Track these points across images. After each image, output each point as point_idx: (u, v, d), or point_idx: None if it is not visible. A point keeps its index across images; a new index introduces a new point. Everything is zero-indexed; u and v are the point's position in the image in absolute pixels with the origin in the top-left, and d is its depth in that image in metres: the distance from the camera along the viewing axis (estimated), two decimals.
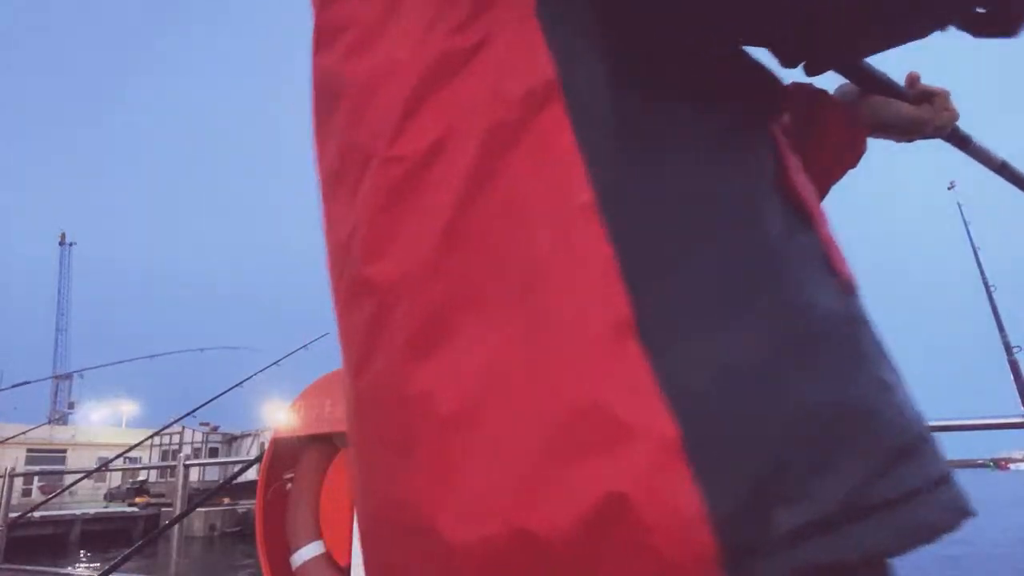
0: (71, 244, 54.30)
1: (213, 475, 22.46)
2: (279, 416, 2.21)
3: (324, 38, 0.47)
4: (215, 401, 4.21)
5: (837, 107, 0.66)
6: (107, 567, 2.46)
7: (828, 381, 0.34)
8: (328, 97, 0.46)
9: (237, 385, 4.36)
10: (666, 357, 0.31)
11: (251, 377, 4.45)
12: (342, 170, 0.43)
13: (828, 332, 0.35)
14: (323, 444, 2.04)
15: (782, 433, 0.31)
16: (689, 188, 0.36)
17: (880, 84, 0.64)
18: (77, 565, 14.80)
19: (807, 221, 0.41)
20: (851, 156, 0.67)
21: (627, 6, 0.39)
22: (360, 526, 0.42)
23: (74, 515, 22.01)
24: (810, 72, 0.45)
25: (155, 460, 25.98)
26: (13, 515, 4.22)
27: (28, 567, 4.20)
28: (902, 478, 0.32)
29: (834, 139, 0.65)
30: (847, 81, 0.64)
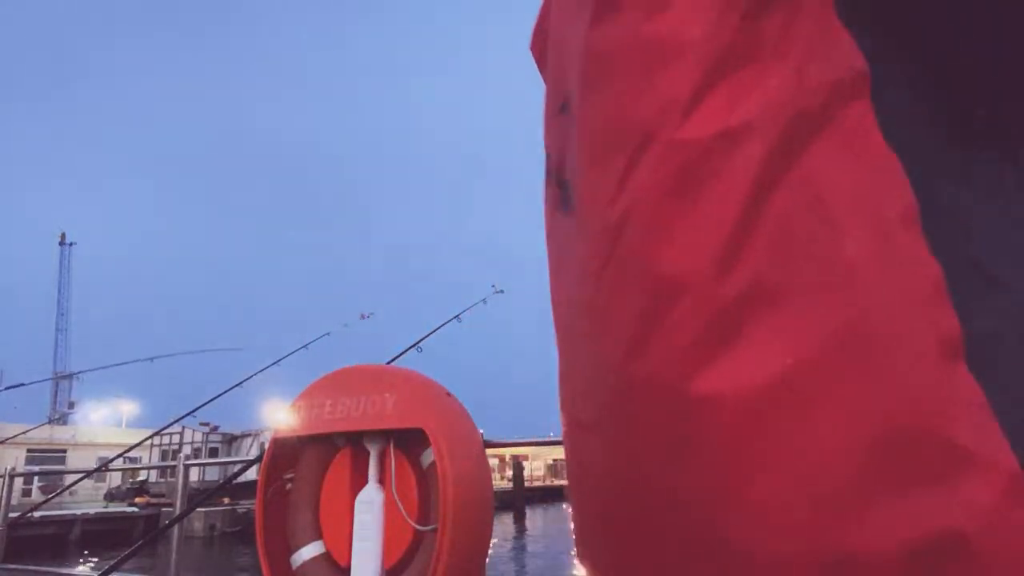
0: (71, 244, 54.34)
1: (213, 475, 22.46)
2: (279, 416, 2.21)
3: (603, 5, 0.42)
4: (215, 401, 4.22)
5: None
6: (107, 567, 2.46)
7: None
8: (599, 64, 0.42)
9: (237, 385, 4.36)
10: (996, 385, 0.30)
11: (251, 377, 4.46)
12: (609, 143, 0.39)
13: None
14: (323, 444, 2.04)
15: None
16: (996, 206, 0.34)
17: None
18: (77, 565, 14.80)
19: None
20: None
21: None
22: (597, 507, 0.42)
23: (74, 515, 22.01)
24: None
25: (155, 460, 25.96)
26: (13, 515, 4.22)
27: (28, 567, 4.20)
28: None
29: None
30: None
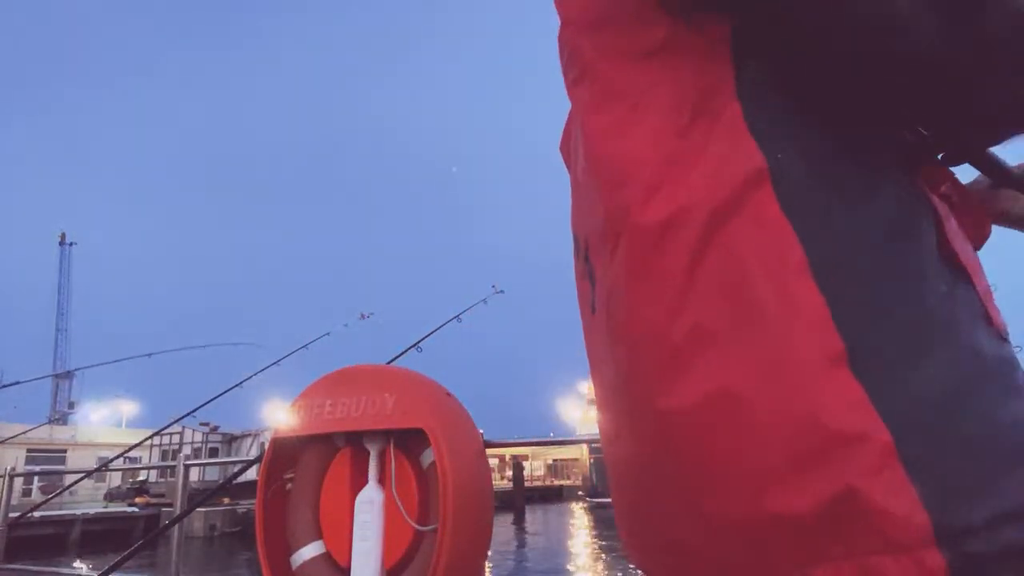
0: (71, 244, 54.31)
1: (213, 475, 22.47)
2: (279, 416, 2.21)
3: (595, 105, 0.58)
4: (215, 401, 4.21)
5: (969, 195, 0.69)
6: (107, 567, 2.46)
7: (1001, 408, 0.41)
8: (590, 161, 0.58)
9: (237, 385, 4.35)
10: (875, 384, 0.40)
11: (251, 377, 4.45)
12: (605, 230, 0.55)
13: (994, 371, 0.43)
14: (323, 444, 2.03)
15: (974, 446, 0.39)
16: (877, 251, 0.44)
17: (1013, 179, 0.64)
18: (77, 565, 14.79)
19: (967, 279, 0.48)
20: (978, 240, 0.70)
21: (815, 92, 0.48)
22: (628, 497, 0.57)
23: (74, 515, 22.00)
24: (950, 162, 0.54)
25: (155, 460, 25.96)
26: (13, 515, 4.21)
27: (28, 567, 4.20)
28: None
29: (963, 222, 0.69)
30: (979, 174, 0.65)
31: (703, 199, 0.47)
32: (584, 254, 0.64)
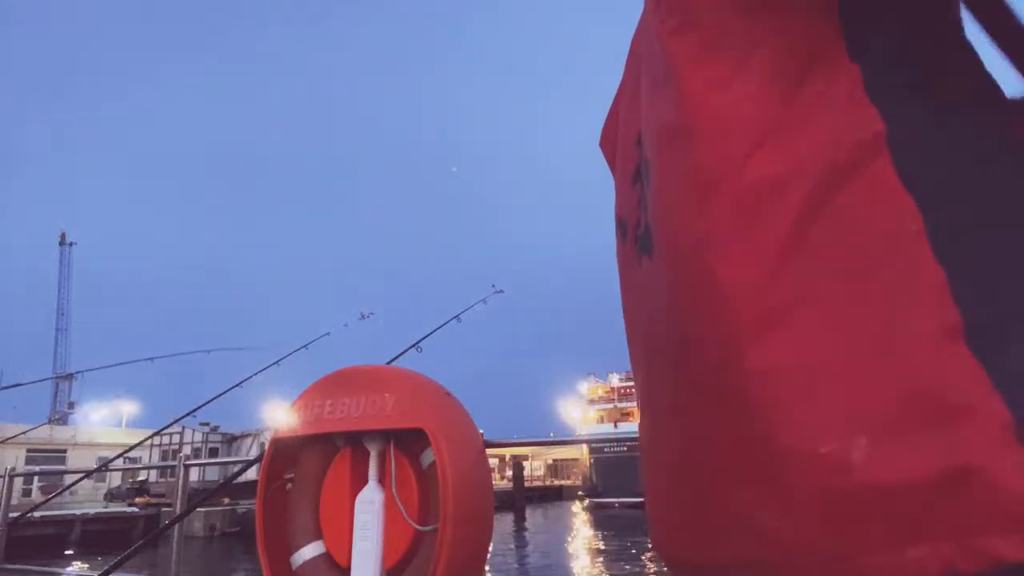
0: (71, 244, 54.31)
1: (213, 475, 22.45)
2: (279, 416, 2.21)
3: (699, 55, 0.56)
4: (215, 401, 4.21)
5: None
6: (107, 567, 2.45)
7: None
8: (673, 132, 0.57)
9: (237, 385, 4.36)
10: (992, 360, 0.38)
11: (251, 377, 4.45)
12: (686, 188, 0.53)
13: None
14: (323, 444, 2.03)
15: None
16: (994, 227, 0.42)
17: None
18: (77, 565, 14.79)
19: None
20: None
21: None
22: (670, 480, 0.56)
23: (74, 515, 21.99)
24: None
25: (155, 460, 25.94)
26: (13, 515, 4.21)
27: (28, 567, 4.20)
28: None
29: None
30: None
31: (815, 161, 0.46)
32: (633, 233, 0.63)
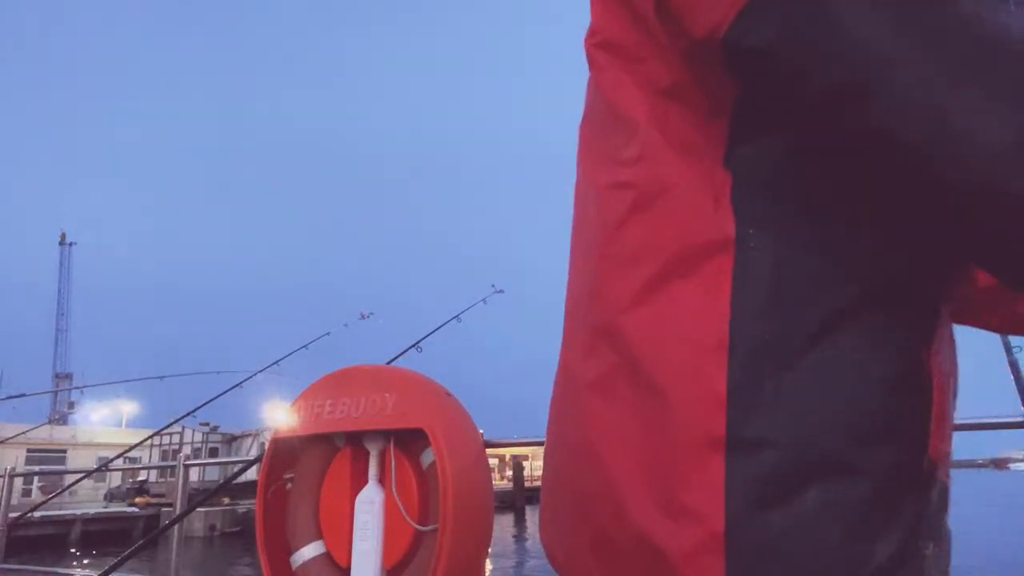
0: (71, 244, 54.32)
1: (213, 475, 22.46)
2: (279, 416, 2.21)
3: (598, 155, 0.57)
4: (215, 401, 4.21)
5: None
6: (107, 567, 2.45)
7: (883, 544, 0.41)
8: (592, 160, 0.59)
9: (237, 385, 4.35)
10: (735, 479, 0.41)
11: (251, 377, 4.45)
12: (586, 245, 0.56)
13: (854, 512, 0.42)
14: (323, 444, 2.03)
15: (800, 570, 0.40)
16: (801, 359, 0.42)
17: None
18: (77, 565, 14.79)
19: (928, 395, 0.44)
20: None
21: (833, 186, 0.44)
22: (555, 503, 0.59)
23: (74, 515, 22.01)
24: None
25: (155, 460, 25.93)
26: (13, 515, 4.21)
27: (28, 567, 4.20)
28: None
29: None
30: None
31: (667, 244, 0.47)
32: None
